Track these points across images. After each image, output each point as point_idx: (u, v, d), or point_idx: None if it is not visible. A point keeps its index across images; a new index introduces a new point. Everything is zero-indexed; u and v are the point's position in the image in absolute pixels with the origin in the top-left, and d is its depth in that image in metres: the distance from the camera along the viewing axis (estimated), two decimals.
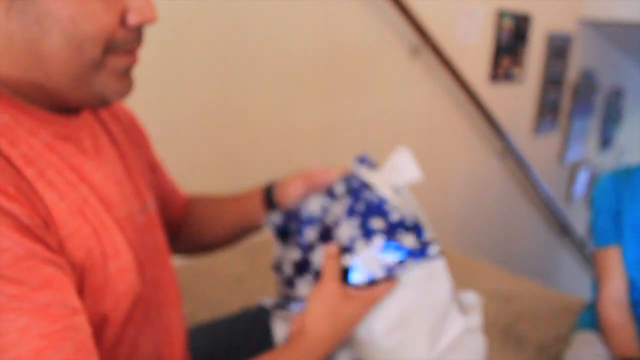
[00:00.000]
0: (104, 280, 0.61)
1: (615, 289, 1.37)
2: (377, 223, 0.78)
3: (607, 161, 5.02)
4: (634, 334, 1.32)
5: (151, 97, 1.73)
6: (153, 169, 0.91)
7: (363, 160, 0.89)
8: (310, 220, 0.83)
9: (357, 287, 0.77)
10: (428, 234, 0.79)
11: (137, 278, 0.68)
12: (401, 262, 0.77)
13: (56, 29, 0.55)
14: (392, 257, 0.77)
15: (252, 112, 2.07)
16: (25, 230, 0.52)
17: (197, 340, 1.00)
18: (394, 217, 0.79)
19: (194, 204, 1.02)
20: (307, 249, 0.82)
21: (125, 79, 0.63)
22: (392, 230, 0.78)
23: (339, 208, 0.82)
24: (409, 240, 0.78)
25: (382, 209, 0.79)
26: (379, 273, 0.77)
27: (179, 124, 1.86)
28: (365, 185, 0.83)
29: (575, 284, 4.52)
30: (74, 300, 0.55)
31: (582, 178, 4.66)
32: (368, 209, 0.80)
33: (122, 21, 0.59)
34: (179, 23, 1.75)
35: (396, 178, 0.84)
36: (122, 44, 0.60)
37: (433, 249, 0.78)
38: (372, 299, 0.77)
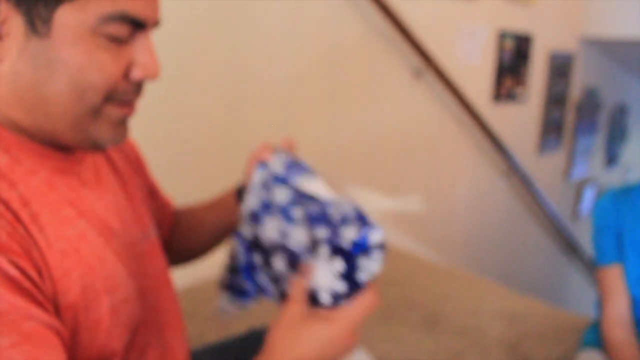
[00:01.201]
0: (103, 314, 0.63)
1: (618, 307, 1.38)
2: (321, 232, 0.70)
3: (613, 178, 5.01)
4: (638, 352, 1.33)
5: (155, 111, 1.76)
6: (152, 191, 0.93)
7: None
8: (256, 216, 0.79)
9: (332, 308, 0.68)
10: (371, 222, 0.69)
11: (138, 306, 0.69)
12: (352, 265, 0.67)
13: (63, 75, 0.58)
14: (340, 265, 0.67)
15: (254, 132, 2.10)
16: (11, 283, 0.52)
17: None
18: (336, 217, 0.70)
19: (184, 215, 1.04)
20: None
21: (120, 128, 0.66)
22: (335, 232, 0.68)
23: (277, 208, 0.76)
24: (349, 233, 0.67)
25: (324, 214, 0.71)
26: (341, 286, 0.67)
27: (181, 139, 1.89)
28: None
29: (582, 302, 4.49)
30: (54, 357, 0.54)
31: (588, 196, 4.66)
32: (312, 217, 0.72)
33: (126, 74, 0.63)
34: (182, 38, 1.79)
35: (400, 206, 0.79)
36: (121, 95, 0.63)
37: (374, 236, 0.67)
38: (348, 316, 0.67)
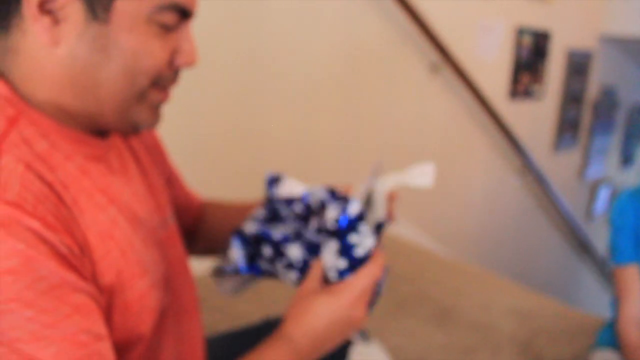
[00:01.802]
0: (135, 298, 0.65)
1: (635, 307, 1.37)
2: (312, 223, 0.77)
3: (629, 178, 4.97)
4: None
5: (173, 111, 1.77)
6: (169, 179, 0.94)
7: (272, 180, 0.85)
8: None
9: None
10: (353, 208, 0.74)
11: (164, 292, 0.71)
12: (345, 242, 0.73)
13: (119, 59, 0.61)
14: (335, 244, 0.73)
15: (271, 127, 2.10)
16: (60, 259, 0.55)
17: (217, 350, 1.02)
18: (315, 205, 0.77)
19: (211, 209, 1.06)
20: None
21: (157, 112, 0.70)
22: (320, 218, 0.76)
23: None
24: (330, 214, 0.73)
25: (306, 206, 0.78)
26: (342, 263, 0.73)
27: (198, 139, 1.89)
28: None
29: (595, 302, 4.47)
30: (100, 327, 0.58)
31: (603, 195, 4.62)
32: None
33: (170, 61, 0.66)
34: (200, 38, 1.80)
35: (409, 180, 0.84)
36: (164, 81, 0.67)
37: (352, 208, 0.73)
38: (352, 287, 0.71)
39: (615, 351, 1.43)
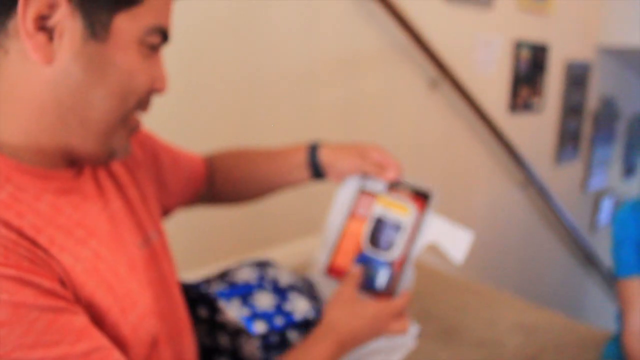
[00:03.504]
0: (129, 333, 0.64)
1: None
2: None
3: (632, 189, 4.95)
4: None
5: (169, 117, 1.77)
6: (174, 162, 0.95)
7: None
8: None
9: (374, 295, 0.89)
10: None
11: (155, 320, 0.70)
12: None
13: (113, 78, 0.61)
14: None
15: (268, 141, 2.10)
16: (47, 293, 0.55)
17: None
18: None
19: (222, 159, 1.07)
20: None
21: (129, 139, 0.70)
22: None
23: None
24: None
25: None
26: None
27: (195, 144, 1.89)
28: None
29: (601, 315, 4.43)
30: (105, 340, 0.58)
31: (607, 207, 4.60)
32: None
33: (151, 85, 0.66)
34: (197, 46, 1.81)
35: (445, 245, 0.91)
36: (141, 105, 0.68)
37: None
38: (390, 303, 0.85)
39: None
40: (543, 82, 3.48)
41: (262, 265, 0.90)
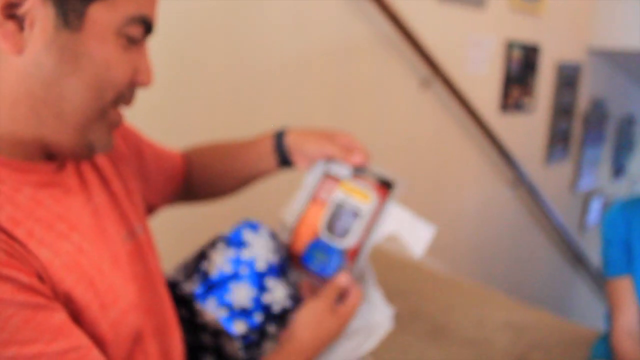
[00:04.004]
0: (106, 328, 0.62)
1: (629, 319, 1.36)
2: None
3: (621, 190, 4.98)
4: None
5: (160, 110, 1.76)
6: (144, 160, 0.92)
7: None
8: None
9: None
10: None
11: (137, 315, 0.69)
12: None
13: (88, 70, 0.58)
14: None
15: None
16: (26, 289, 0.53)
17: None
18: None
19: (197, 155, 1.05)
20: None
21: (111, 134, 0.67)
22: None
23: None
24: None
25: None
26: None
27: (186, 136, 1.88)
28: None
29: (589, 314, 4.46)
30: (83, 339, 0.57)
31: (596, 207, 4.63)
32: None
33: (132, 78, 0.64)
34: (187, 39, 1.80)
35: (406, 237, 0.89)
36: (123, 99, 0.65)
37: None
38: (349, 314, 0.85)
39: None
40: (534, 83, 3.49)
41: (238, 244, 0.88)
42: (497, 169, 3.35)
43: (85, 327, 0.60)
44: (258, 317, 0.82)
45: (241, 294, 0.84)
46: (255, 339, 0.83)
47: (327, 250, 0.87)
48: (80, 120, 0.61)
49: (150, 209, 0.95)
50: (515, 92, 3.34)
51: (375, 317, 0.90)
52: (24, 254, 0.55)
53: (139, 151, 0.91)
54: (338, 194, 0.89)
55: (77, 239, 0.63)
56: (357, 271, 0.88)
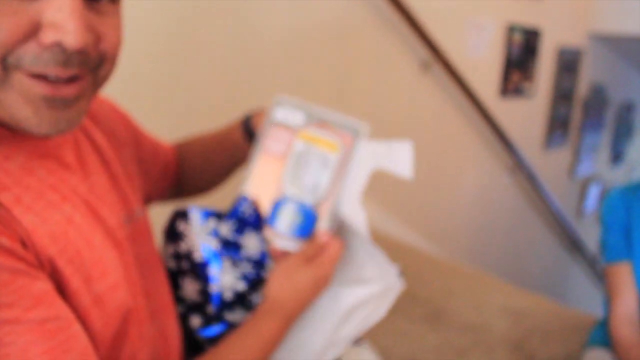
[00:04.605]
0: (89, 302, 0.60)
1: (627, 305, 1.36)
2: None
3: (619, 176, 4.98)
4: None
5: (157, 94, 1.74)
6: (142, 151, 0.90)
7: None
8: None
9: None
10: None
11: (127, 293, 0.67)
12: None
13: None
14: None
15: None
16: (6, 252, 0.51)
17: None
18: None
19: (187, 149, 1.04)
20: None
21: (48, 110, 0.55)
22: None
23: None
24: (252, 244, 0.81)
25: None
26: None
27: (181, 123, 1.87)
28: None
29: (586, 300, 4.48)
30: (66, 311, 0.55)
31: (593, 193, 4.63)
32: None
33: (30, 36, 0.52)
34: (183, 20, 1.77)
35: (388, 165, 0.83)
36: (30, 62, 0.52)
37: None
38: (326, 263, 0.80)
39: (608, 350, 1.42)
40: (534, 67, 3.47)
41: (173, 238, 0.83)
42: (496, 154, 3.34)
43: (68, 299, 0.58)
44: (210, 309, 0.80)
45: (189, 288, 0.81)
46: (221, 329, 0.81)
47: (296, 207, 0.80)
48: None
49: (146, 200, 0.93)
50: (515, 77, 3.32)
51: (384, 278, 0.84)
52: (7, 219, 0.53)
53: (137, 141, 0.89)
54: (298, 144, 0.82)
55: (68, 209, 0.61)
56: (333, 224, 0.81)
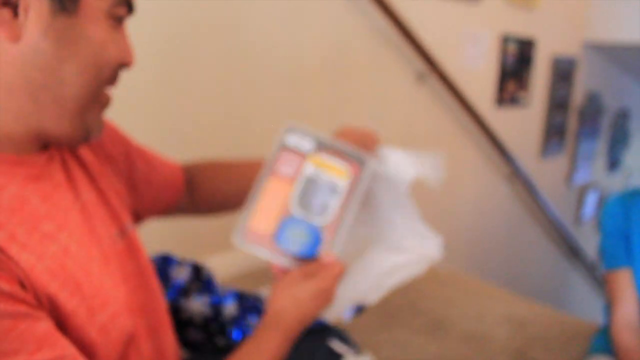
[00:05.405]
0: (94, 334, 0.61)
1: (628, 311, 1.36)
2: None
3: (616, 183, 5.00)
4: None
5: (155, 109, 1.75)
6: (133, 165, 0.90)
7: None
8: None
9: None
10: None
11: (127, 318, 0.67)
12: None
13: (86, 51, 0.60)
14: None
15: (255, 134, 2.09)
16: (6, 297, 0.51)
17: None
18: None
19: (201, 171, 1.04)
20: None
21: (102, 117, 0.68)
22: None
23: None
24: None
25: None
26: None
27: (183, 133, 1.87)
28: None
29: (586, 307, 4.47)
30: (69, 347, 0.55)
31: (591, 200, 4.64)
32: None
33: (120, 58, 0.65)
34: (184, 36, 1.78)
35: (423, 173, 0.88)
36: (112, 80, 0.66)
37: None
38: (327, 280, 0.79)
39: (610, 357, 1.42)
40: (529, 77, 3.49)
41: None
42: (493, 163, 3.35)
43: (72, 333, 0.58)
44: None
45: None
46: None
47: (304, 227, 0.82)
48: (79, 103, 0.61)
49: (138, 217, 0.92)
50: (510, 86, 3.34)
51: (424, 243, 0.88)
52: (4, 261, 0.53)
53: (127, 156, 0.88)
54: (309, 167, 0.84)
55: (64, 239, 0.61)
56: (338, 247, 0.83)
